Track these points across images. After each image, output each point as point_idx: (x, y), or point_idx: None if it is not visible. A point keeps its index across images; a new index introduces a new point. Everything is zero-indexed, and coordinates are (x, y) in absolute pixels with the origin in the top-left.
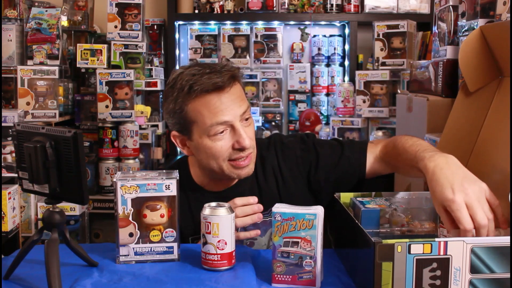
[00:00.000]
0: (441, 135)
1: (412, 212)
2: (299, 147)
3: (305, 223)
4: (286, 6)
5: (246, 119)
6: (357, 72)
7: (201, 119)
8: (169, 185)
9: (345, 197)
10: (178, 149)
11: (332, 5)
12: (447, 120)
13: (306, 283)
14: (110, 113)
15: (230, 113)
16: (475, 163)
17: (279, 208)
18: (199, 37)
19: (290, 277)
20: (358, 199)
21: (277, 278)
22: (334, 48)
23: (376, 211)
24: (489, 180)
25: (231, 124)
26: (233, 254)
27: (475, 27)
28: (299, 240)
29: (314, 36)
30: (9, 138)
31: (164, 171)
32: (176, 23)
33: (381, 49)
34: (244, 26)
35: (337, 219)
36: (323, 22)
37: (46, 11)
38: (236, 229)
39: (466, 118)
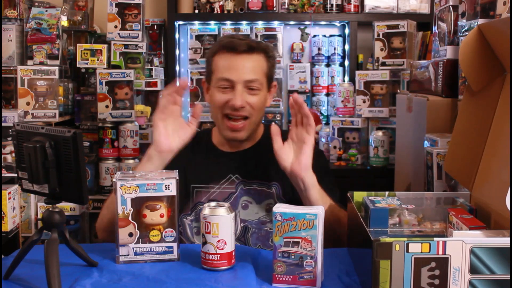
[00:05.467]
0: (451, 138)
1: (424, 212)
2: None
3: (306, 223)
4: (286, 6)
5: (252, 89)
6: (357, 72)
7: (216, 71)
8: (168, 185)
9: (358, 196)
10: None
11: (332, 5)
12: (455, 123)
13: (307, 283)
14: (110, 113)
15: (235, 74)
16: (487, 163)
17: (280, 208)
18: (199, 37)
19: (291, 277)
20: (370, 198)
21: (277, 278)
22: (334, 48)
23: (385, 210)
24: (499, 179)
25: (234, 84)
26: (233, 254)
27: (475, 27)
28: (300, 240)
29: (314, 36)
30: (9, 138)
31: (163, 171)
32: (176, 23)
33: (381, 49)
34: (244, 26)
35: (349, 218)
36: (323, 22)
37: (46, 11)
38: None
39: (474, 119)
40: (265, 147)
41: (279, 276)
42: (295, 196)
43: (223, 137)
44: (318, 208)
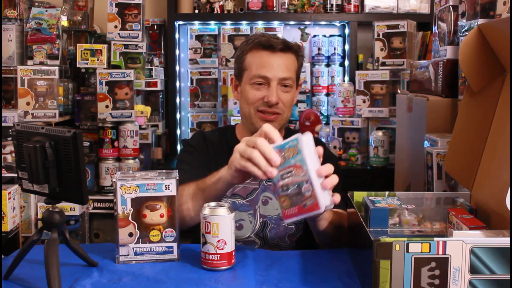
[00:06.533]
0: (451, 139)
1: (424, 212)
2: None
3: (291, 151)
4: (286, 6)
5: (285, 86)
6: (357, 72)
7: (250, 68)
8: (168, 185)
9: (358, 196)
10: (178, 149)
11: (332, 5)
12: (455, 123)
13: (311, 209)
14: (110, 113)
15: (271, 72)
16: (487, 163)
17: (272, 144)
18: (199, 37)
19: (296, 208)
20: (370, 198)
21: (286, 213)
22: (334, 48)
23: (385, 210)
24: (499, 179)
25: (269, 81)
26: (233, 254)
27: (475, 27)
28: (292, 169)
29: (314, 36)
30: (9, 138)
31: (164, 171)
32: (176, 23)
33: (381, 49)
34: (244, 26)
35: (349, 218)
36: (323, 22)
37: (46, 11)
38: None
39: (474, 119)
40: None
41: (286, 210)
42: None
43: (256, 129)
44: (303, 134)
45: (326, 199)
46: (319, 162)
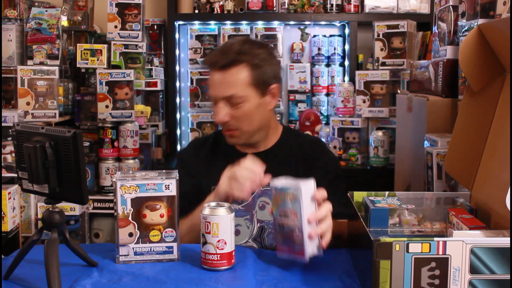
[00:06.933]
0: (451, 139)
1: (424, 212)
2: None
3: (291, 196)
4: (286, 6)
5: (234, 103)
6: (357, 72)
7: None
8: (168, 185)
9: (358, 196)
10: (178, 149)
11: (332, 5)
12: (455, 123)
13: (298, 253)
14: (110, 113)
15: (214, 91)
16: (487, 163)
17: (274, 181)
18: (199, 37)
19: (287, 248)
20: (370, 198)
21: (279, 248)
22: (334, 48)
23: (385, 210)
24: (499, 179)
25: (216, 101)
26: (233, 254)
27: (475, 27)
28: (288, 213)
29: (314, 36)
30: (9, 138)
31: (164, 171)
32: (176, 23)
33: (381, 49)
34: (244, 26)
35: (349, 218)
36: (323, 22)
37: (46, 11)
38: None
39: (474, 119)
40: (282, 150)
41: (280, 246)
42: None
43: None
44: (307, 181)
45: (313, 249)
46: (316, 208)
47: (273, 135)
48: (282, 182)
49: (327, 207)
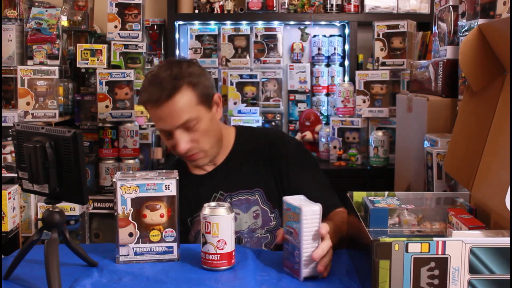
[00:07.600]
0: (450, 138)
1: (423, 212)
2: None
3: (295, 216)
4: (286, 6)
5: (190, 127)
6: (357, 72)
7: (153, 120)
8: (168, 185)
9: (358, 196)
10: None
11: (332, 5)
12: (455, 123)
13: (295, 272)
14: (110, 113)
15: (167, 124)
16: (487, 163)
17: (288, 198)
18: (199, 37)
19: (289, 262)
20: (369, 198)
21: (284, 262)
22: (334, 48)
23: (384, 210)
24: (499, 179)
25: (171, 132)
26: (233, 254)
27: (475, 27)
28: (292, 231)
29: (314, 36)
30: (9, 138)
31: (163, 171)
32: (176, 23)
33: (381, 49)
34: (244, 26)
35: (348, 218)
36: (323, 22)
37: (46, 11)
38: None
39: (474, 119)
40: (239, 156)
41: (284, 259)
42: (281, 198)
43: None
44: (312, 204)
45: (309, 271)
46: (318, 239)
47: (228, 142)
48: (291, 199)
49: (327, 243)
